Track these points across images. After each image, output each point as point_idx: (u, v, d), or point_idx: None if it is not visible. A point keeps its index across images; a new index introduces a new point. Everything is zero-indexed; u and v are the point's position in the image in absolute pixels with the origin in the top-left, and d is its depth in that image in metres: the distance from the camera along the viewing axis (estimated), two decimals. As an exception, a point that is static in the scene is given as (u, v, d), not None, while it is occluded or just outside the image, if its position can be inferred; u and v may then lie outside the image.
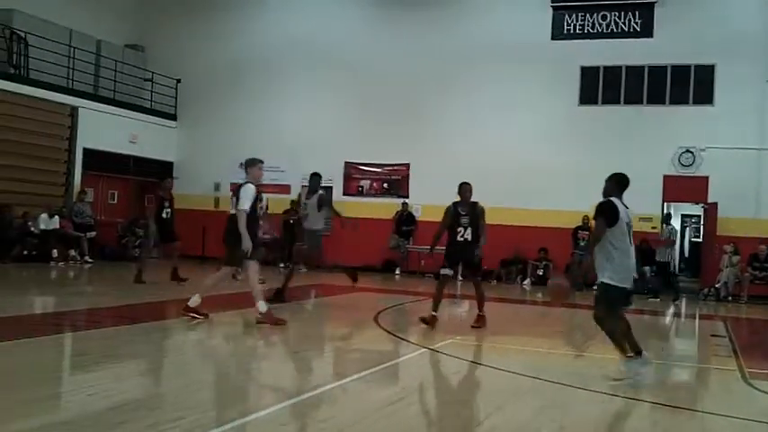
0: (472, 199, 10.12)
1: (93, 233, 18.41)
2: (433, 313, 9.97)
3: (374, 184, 20.90)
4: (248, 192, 9.28)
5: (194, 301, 9.50)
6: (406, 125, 20.22)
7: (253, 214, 9.38)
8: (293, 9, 21.65)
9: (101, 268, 16.97)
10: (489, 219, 10.28)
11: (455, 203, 10.20)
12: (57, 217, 17.53)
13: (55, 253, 17.21)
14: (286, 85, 21.39)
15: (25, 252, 16.81)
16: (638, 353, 7.03)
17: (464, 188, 10.19)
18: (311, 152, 20.59)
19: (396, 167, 20.68)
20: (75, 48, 19.28)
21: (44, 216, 17.33)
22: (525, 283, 18.77)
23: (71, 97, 18.98)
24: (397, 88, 20.36)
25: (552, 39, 19.67)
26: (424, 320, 9.97)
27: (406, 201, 20.15)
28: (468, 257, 10.21)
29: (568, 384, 6.85)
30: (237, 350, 8.49)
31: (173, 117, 22.50)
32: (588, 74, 19.47)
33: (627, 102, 19.21)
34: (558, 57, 19.42)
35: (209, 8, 22.26)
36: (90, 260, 17.74)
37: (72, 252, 17.63)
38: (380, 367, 7.31)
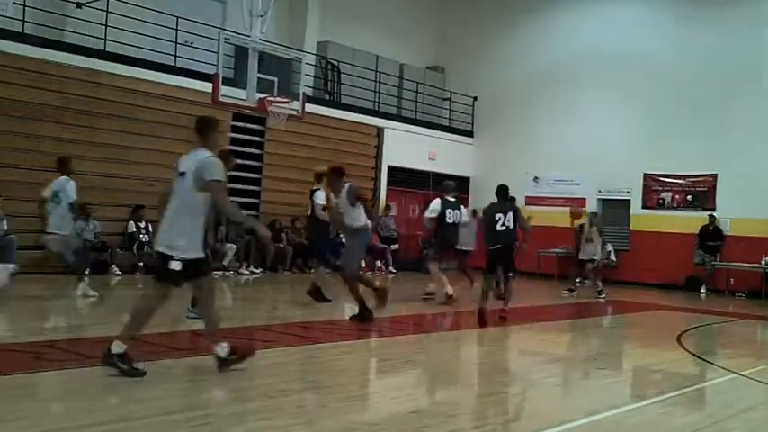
0: None
1: (396, 245, 19.58)
2: None
3: (676, 197, 19.74)
4: None
5: None
6: (713, 132, 18.78)
7: None
8: (589, 19, 21.22)
9: (402, 278, 17.98)
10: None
11: None
12: (365, 230, 18.89)
13: (363, 264, 18.56)
14: (580, 96, 20.98)
15: (338, 263, 18.31)
16: None
17: None
18: (607, 165, 20.06)
19: (701, 178, 19.32)
20: (380, 72, 20.76)
21: (354, 229, 18.76)
22: None
23: (377, 119, 20.38)
24: (701, 93, 18.97)
25: None
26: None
27: (713, 214, 18.73)
28: None
29: None
30: (531, 364, 8.52)
31: (469, 134, 23.17)
32: None
33: None
34: None
35: (506, 27, 22.53)
36: (393, 270, 18.91)
37: (378, 263, 18.90)
38: (683, 391, 6.91)
